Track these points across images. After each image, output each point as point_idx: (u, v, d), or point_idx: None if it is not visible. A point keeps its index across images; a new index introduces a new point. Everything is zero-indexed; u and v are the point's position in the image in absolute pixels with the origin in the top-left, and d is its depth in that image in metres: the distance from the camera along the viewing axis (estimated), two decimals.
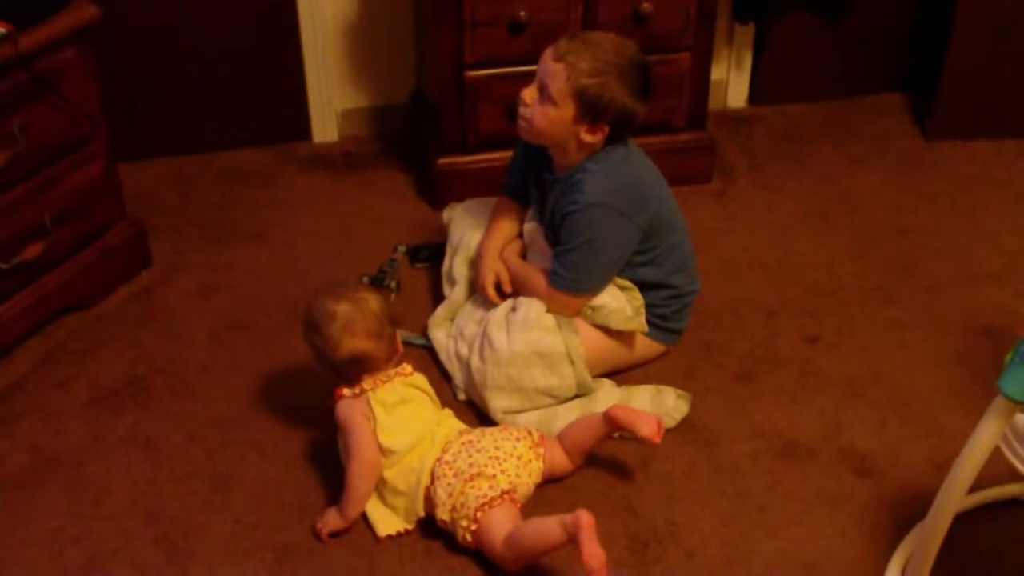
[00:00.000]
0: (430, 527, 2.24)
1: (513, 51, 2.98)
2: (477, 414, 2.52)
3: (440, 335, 2.68)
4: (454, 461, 2.22)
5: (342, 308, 2.25)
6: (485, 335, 2.49)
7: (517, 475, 2.22)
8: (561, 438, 2.35)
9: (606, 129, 2.41)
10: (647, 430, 2.27)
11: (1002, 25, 3.41)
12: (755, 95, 3.78)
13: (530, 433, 2.31)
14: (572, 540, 2.04)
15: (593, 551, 1.99)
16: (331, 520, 2.23)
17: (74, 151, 2.69)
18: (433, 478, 2.21)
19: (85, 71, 2.64)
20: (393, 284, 2.90)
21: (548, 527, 2.08)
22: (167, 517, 2.28)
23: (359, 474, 2.22)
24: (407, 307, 2.85)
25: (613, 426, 2.31)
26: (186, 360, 2.69)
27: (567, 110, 2.38)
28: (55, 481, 2.36)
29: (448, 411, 2.38)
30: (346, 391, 2.26)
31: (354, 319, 2.24)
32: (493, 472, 2.19)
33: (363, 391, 2.24)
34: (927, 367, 2.68)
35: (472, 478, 2.18)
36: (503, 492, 2.18)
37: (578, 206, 2.41)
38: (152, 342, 2.74)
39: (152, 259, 3.00)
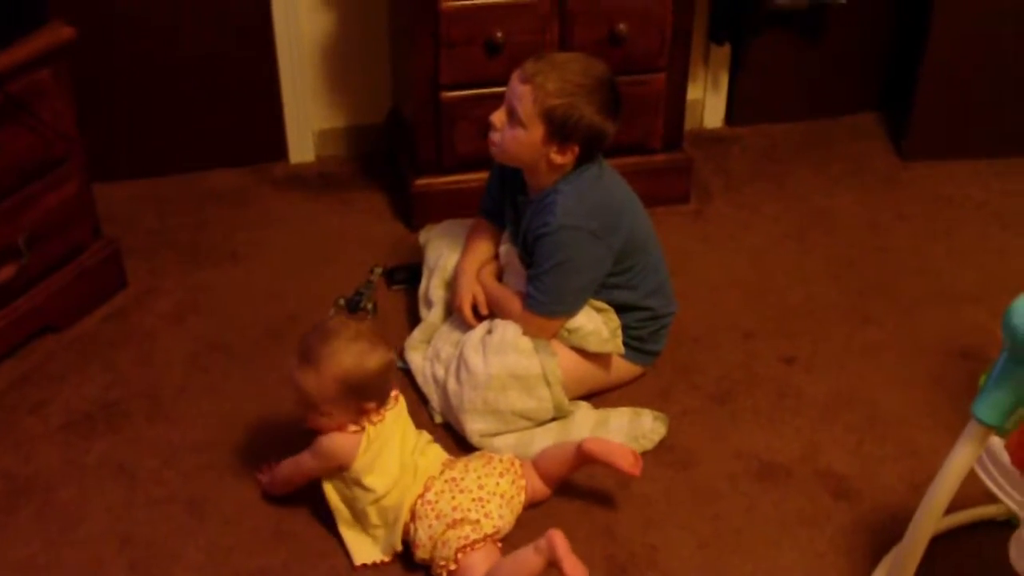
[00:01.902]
0: (409, 555, 2.23)
1: (489, 72, 2.97)
2: (454, 437, 2.50)
3: (417, 357, 2.67)
4: (436, 502, 2.18)
5: (355, 326, 2.16)
6: (461, 357, 2.48)
7: (501, 516, 2.20)
8: (536, 465, 2.33)
9: (576, 149, 2.40)
10: (625, 464, 2.25)
11: (976, 45, 3.42)
12: (732, 115, 3.79)
13: (512, 465, 2.29)
14: (551, 562, 2.03)
15: (575, 566, 2.01)
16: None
17: (48, 172, 2.68)
18: (414, 516, 2.18)
19: (59, 91, 2.63)
20: (370, 306, 2.89)
21: (523, 557, 2.07)
22: (141, 542, 2.26)
23: (291, 475, 2.28)
24: (383, 329, 2.81)
25: (588, 460, 2.29)
26: (162, 383, 2.67)
27: (536, 131, 2.37)
28: (27, 507, 2.34)
29: (426, 435, 2.35)
30: (352, 427, 2.17)
31: (369, 332, 2.18)
32: (477, 517, 2.16)
33: (363, 429, 2.18)
34: (904, 388, 2.68)
35: (455, 523, 2.15)
36: (486, 536, 2.16)
37: (550, 228, 2.41)
38: (127, 365, 2.72)
39: (128, 280, 2.98)
